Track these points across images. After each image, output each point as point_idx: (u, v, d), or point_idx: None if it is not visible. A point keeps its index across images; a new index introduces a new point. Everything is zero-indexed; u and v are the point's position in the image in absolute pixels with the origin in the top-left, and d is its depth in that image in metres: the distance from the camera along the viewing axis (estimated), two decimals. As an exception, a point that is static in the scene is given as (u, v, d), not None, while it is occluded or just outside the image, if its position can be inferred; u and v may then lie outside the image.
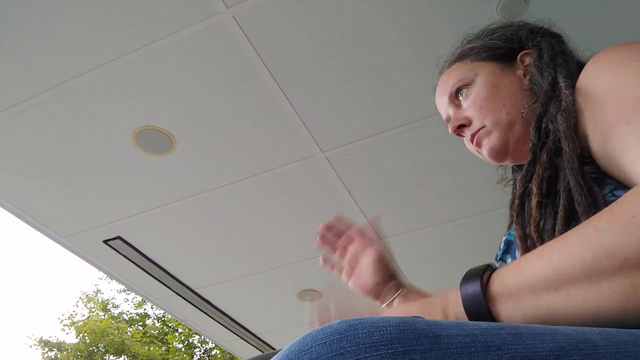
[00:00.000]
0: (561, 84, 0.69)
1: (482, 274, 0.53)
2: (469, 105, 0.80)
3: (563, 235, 0.49)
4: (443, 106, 0.86)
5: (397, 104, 1.79)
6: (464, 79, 0.81)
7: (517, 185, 0.67)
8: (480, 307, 0.51)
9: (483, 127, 0.78)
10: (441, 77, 0.88)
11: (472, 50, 0.83)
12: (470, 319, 0.52)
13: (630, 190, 0.48)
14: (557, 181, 0.61)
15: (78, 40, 1.55)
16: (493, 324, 0.43)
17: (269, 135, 1.89)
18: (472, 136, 0.79)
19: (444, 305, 0.56)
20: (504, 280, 0.51)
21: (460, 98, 0.82)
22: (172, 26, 1.52)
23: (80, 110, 1.76)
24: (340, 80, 1.70)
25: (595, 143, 0.60)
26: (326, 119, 1.84)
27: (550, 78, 0.71)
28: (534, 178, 0.63)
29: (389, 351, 0.37)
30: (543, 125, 0.67)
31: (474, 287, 0.52)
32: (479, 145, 0.79)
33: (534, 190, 0.62)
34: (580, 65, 0.72)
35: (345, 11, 1.51)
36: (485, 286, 0.52)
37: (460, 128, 0.81)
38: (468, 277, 0.54)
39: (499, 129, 0.76)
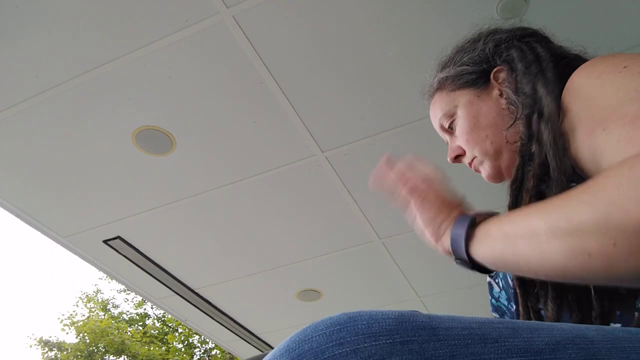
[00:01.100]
0: (541, 91, 0.70)
1: (477, 217, 0.63)
2: (458, 136, 0.84)
3: (550, 198, 0.54)
4: (439, 132, 0.91)
5: (397, 104, 1.79)
6: (446, 113, 0.85)
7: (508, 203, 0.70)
8: (459, 246, 0.61)
9: (474, 157, 0.82)
10: (430, 104, 0.91)
11: (447, 80, 0.85)
12: (451, 252, 0.63)
13: (605, 170, 0.50)
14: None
15: (78, 40, 1.55)
16: (491, 319, 0.44)
17: (269, 135, 1.89)
18: (469, 164, 0.85)
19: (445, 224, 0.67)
20: (489, 226, 0.60)
21: (450, 128, 0.86)
22: (172, 26, 1.52)
23: (80, 110, 1.76)
24: (340, 80, 1.70)
25: (581, 153, 0.62)
26: (326, 119, 1.84)
27: (529, 87, 0.72)
28: (522, 205, 0.65)
29: (388, 341, 0.37)
30: (528, 143, 0.68)
31: (462, 227, 0.62)
32: (477, 171, 0.85)
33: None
34: (561, 60, 0.73)
35: (345, 11, 1.51)
36: (474, 227, 0.61)
37: (457, 158, 0.86)
38: (463, 217, 0.64)
39: (488, 158, 0.80)
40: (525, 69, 0.74)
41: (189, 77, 1.67)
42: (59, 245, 2.42)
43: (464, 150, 0.84)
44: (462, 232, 0.62)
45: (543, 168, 0.65)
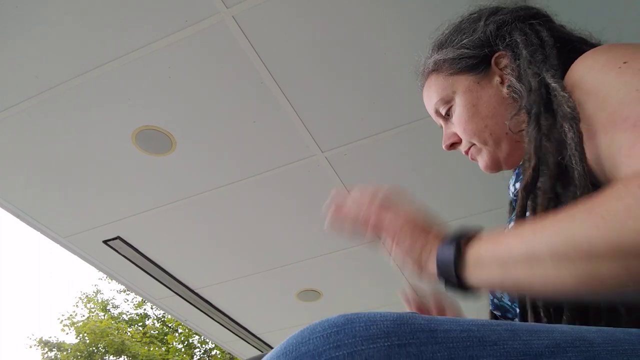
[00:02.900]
0: (553, 85, 0.64)
1: (461, 239, 0.57)
2: (455, 124, 0.80)
3: (545, 218, 0.51)
4: (432, 115, 0.86)
5: (397, 104, 1.79)
6: (443, 98, 0.80)
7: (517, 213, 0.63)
8: (449, 272, 0.57)
9: (472, 145, 0.79)
10: (424, 85, 0.87)
11: (445, 63, 0.80)
12: (439, 278, 0.59)
13: (610, 187, 0.48)
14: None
15: (78, 40, 1.55)
16: (490, 321, 0.43)
17: (269, 135, 1.88)
18: (466, 152, 0.81)
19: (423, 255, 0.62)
20: (480, 250, 0.55)
21: (445, 114, 0.82)
22: (172, 26, 1.52)
23: (80, 110, 1.76)
24: (340, 80, 1.70)
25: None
26: (326, 119, 1.83)
27: (537, 80, 0.67)
28: (538, 209, 0.60)
29: (386, 344, 0.37)
30: (540, 144, 0.63)
31: (449, 253, 0.57)
32: (473, 159, 0.81)
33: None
34: (565, 44, 0.69)
35: (345, 11, 1.51)
36: (461, 251, 0.56)
37: (452, 145, 0.83)
38: (446, 241, 0.59)
39: (487, 148, 0.77)
40: (530, 57, 0.70)
41: (189, 77, 1.67)
42: (58, 246, 2.42)
43: (460, 138, 0.80)
44: (449, 261, 0.57)
45: (560, 169, 0.60)
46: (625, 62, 0.56)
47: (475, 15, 0.81)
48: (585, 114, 0.58)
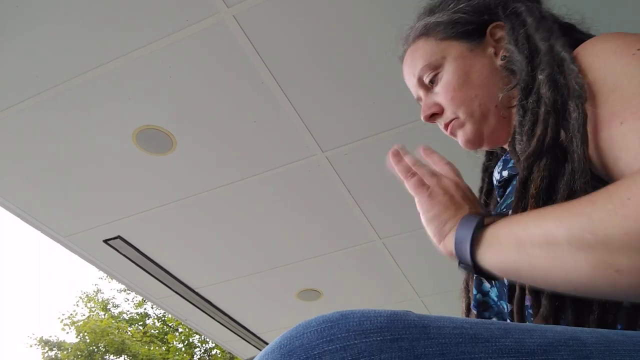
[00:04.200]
0: (563, 54, 0.60)
1: (484, 218, 0.57)
2: (440, 92, 0.75)
3: (566, 202, 0.50)
4: (412, 86, 0.81)
5: (397, 104, 1.79)
6: (431, 63, 0.75)
7: (516, 189, 0.60)
8: (464, 249, 0.56)
9: (456, 117, 0.74)
10: (407, 51, 0.82)
11: (438, 26, 0.75)
12: (455, 255, 0.58)
13: (632, 174, 0.47)
14: (557, 190, 0.56)
15: (78, 40, 1.55)
16: (483, 320, 0.44)
17: (269, 135, 1.89)
18: (446, 125, 0.76)
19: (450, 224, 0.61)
20: (499, 230, 0.54)
21: (430, 81, 0.77)
22: (172, 26, 1.52)
23: (80, 110, 1.76)
24: (340, 80, 1.70)
25: (593, 141, 0.56)
26: (326, 119, 1.84)
27: (546, 45, 0.63)
28: (531, 188, 0.58)
29: (378, 339, 0.37)
30: (548, 116, 0.59)
31: (469, 228, 0.56)
32: (453, 134, 0.77)
33: (532, 202, 0.57)
34: (564, 30, 0.67)
35: (346, 11, 1.51)
36: (480, 229, 0.56)
37: (432, 117, 0.78)
38: (470, 218, 0.58)
39: (472, 121, 0.73)
40: (537, 24, 0.66)
41: (190, 76, 1.67)
42: (59, 245, 2.42)
43: (442, 108, 0.75)
44: (468, 235, 0.56)
45: (560, 148, 0.57)
46: (639, 49, 0.54)
47: None
48: (594, 100, 0.55)
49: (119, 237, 2.36)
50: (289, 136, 1.89)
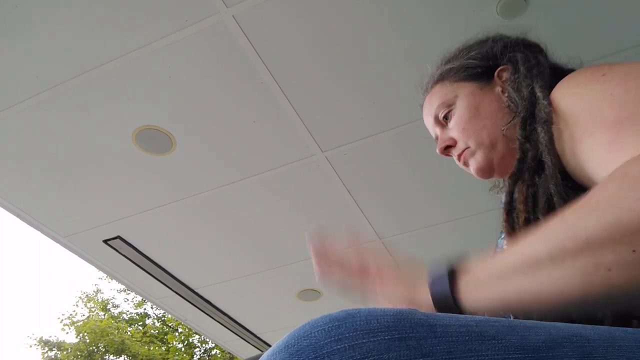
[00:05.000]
0: (538, 94, 0.71)
1: (452, 267, 0.55)
2: (453, 126, 0.83)
3: (539, 227, 0.50)
4: (430, 126, 0.89)
5: (397, 104, 1.79)
6: (445, 102, 0.84)
7: (504, 201, 0.69)
8: (447, 303, 0.53)
9: (467, 147, 0.81)
10: (426, 97, 0.90)
11: (451, 71, 0.85)
12: (437, 309, 0.54)
13: (599, 183, 0.49)
14: (540, 197, 0.64)
15: (78, 40, 1.55)
16: (488, 317, 0.44)
17: (269, 135, 1.89)
18: (459, 156, 0.83)
19: (417, 298, 0.57)
20: (475, 271, 0.53)
21: (445, 119, 0.85)
22: (172, 26, 1.52)
23: (80, 110, 1.77)
24: (340, 80, 1.70)
25: (567, 158, 0.63)
26: (326, 119, 1.84)
27: (528, 89, 0.73)
28: (518, 197, 0.66)
29: (386, 337, 0.38)
30: (525, 141, 0.69)
31: (443, 282, 0.54)
32: (466, 164, 0.83)
33: (521, 208, 0.65)
34: (556, 72, 0.75)
35: (346, 11, 1.51)
36: (453, 282, 0.54)
37: (447, 149, 0.85)
38: (436, 274, 0.56)
39: (482, 149, 0.79)
40: (526, 72, 0.76)
41: (189, 76, 1.68)
42: (58, 245, 2.42)
43: (455, 141, 0.83)
44: (445, 291, 0.53)
45: (538, 163, 0.66)
46: (604, 75, 0.61)
47: (484, 38, 0.88)
48: (568, 122, 0.63)
49: (118, 237, 2.36)
50: (289, 136, 1.89)
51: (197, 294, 2.77)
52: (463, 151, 0.82)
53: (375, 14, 1.52)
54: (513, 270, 0.48)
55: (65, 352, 12.42)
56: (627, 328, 0.45)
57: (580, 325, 0.44)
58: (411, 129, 1.87)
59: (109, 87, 1.69)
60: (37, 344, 12.61)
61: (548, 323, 0.43)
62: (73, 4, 1.46)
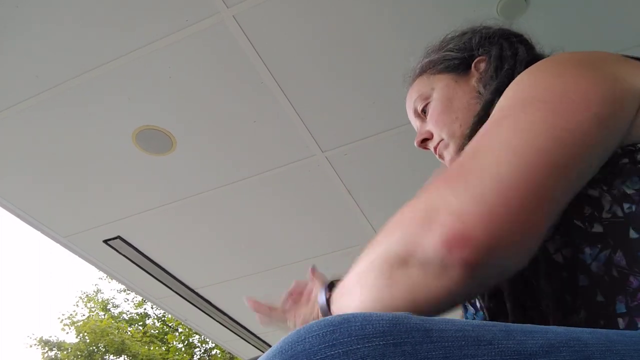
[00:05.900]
0: (496, 92, 0.70)
1: (332, 282, 0.63)
2: (429, 119, 0.84)
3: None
4: (412, 119, 0.90)
5: (397, 104, 1.79)
6: (423, 94, 0.85)
7: None
8: (324, 311, 0.60)
9: (442, 140, 0.81)
10: (408, 90, 0.92)
11: (430, 64, 0.86)
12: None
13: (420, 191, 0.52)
14: None
15: (78, 40, 1.55)
16: (485, 322, 0.44)
17: (269, 135, 1.89)
18: (435, 149, 0.83)
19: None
20: (336, 287, 0.60)
21: (423, 112, 0.86)
22: (172, 26, 1.52)
23: (80, 110, 1.76)
24: (340, 80, 1.70)
25: None
26: (326, 119, 1.84)
27: (493, 84, 0.72)
28: None
29: (381, 343, 0.37)
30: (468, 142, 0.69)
31: (322, 296, 0.62)
32: (441, 157, 0.83)
33: None
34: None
35: (346, 11, 1.51)
36: (331, 291, 0.61)
37: (424, 142, 0.85)
38: (324, 288, 0.64)
39: (454, 141, 0.79)
40: (497, 65, 0.75)
41: (189, 76, 1.67)
42: (58, 245, 2.42)
43: (431, 134, 0.83)
44: (323, 303, 0.61)
45: None
46: (522, 80, 0.60)
47: (466, 30, 0.88)
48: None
49: (118, 237, 2.36)
50: (289, 136, 1.89)
51: (197, 294, 2.77)
52: (438, 144, 0.82)
53: (375, 14, 1.52)
54: (354, 284, 0.54)
55: (65, 352, 12.43)
56: (625, 331, 0.45)
57: (578, 329, 0.43)
58: (411, 129, 1.86)
59: (109, 87, 1.69)
60: (37, 343, 12.63)
61: (547, 327, 0.43)
62: (73, 4, 1.45)
